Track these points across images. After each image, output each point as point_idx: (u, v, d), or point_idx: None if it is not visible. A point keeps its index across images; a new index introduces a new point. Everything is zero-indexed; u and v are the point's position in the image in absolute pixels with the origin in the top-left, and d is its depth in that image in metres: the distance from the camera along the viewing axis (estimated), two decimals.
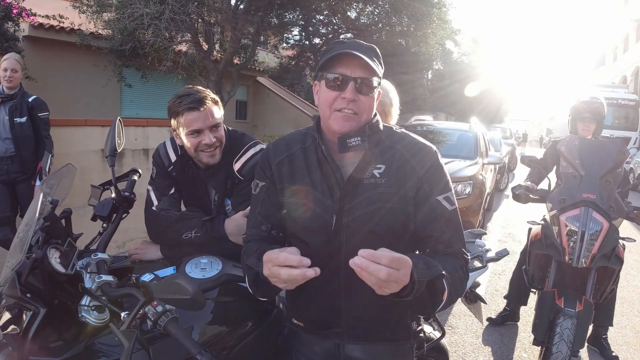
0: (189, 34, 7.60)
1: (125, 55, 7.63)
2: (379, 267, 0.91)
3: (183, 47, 8.14)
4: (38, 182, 3.49)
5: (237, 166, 1.65)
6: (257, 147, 1.68)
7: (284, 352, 1.47)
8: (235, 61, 9.07)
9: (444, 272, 1.05)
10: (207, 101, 1.55)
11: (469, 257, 1.22)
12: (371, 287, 1.18)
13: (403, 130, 1.28)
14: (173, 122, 1.60)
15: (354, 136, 1.13)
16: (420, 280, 0.98)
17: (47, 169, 2.88)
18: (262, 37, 9.82)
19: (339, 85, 1.12)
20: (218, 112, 1.60)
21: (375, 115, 1.22)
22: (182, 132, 1.57)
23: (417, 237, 1.20)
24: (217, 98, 1.62)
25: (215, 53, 8.76)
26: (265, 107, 14.00)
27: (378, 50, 1.20)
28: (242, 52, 9.29)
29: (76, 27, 7.90)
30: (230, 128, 1.74)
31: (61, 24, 7.85)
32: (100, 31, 7.72)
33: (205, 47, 8.13)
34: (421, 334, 1.34)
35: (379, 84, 1.18)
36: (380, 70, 1.17)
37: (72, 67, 8.75)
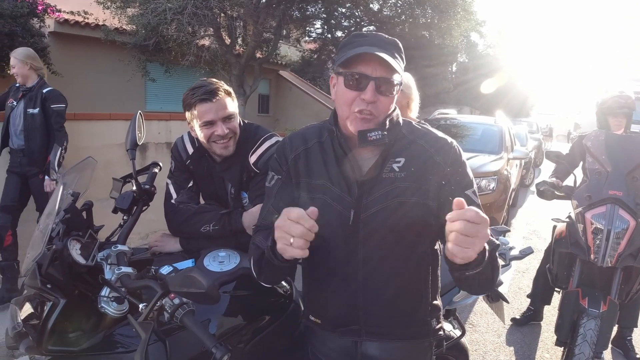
0: (211, 29, 7.66)
1: (149, 50, 7.74)
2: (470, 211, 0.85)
3: (206, 42, 8.20)
4: (47, 177, 3.41)
5: (252, 159, 1.65)
6: (273, 140, 1.68)
7: (300, 348, 1.46)
8: (258, 55, 9.10)
9: (498, 243, 1.04)
10: (219, 92, 1.55)
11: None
12: (390, 283, 1.17)
13: (423, 125, 1.25)
14: (187, 114, 1.61)
15: (375, 130, 1.11)
16: (487, 251, 0.95)
17: (55, 163, 2.79)
18: (284, 31, 9.81)
19: (358, 85, 1.09)
20: (231, 103, 1.61)
21: (395, 109, 1.20)
22: (196, 124, 1.59)
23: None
24: (230, 89, 1.63)
25: (237, 47, 8.80)
26: (288, 101, 14.02)
27: (400, 43, 1.17)
28: (264, 46, 9.31)
29: (100, 23, 8.05)
30: (245, 121, 1.74)
31: (86, 20, 8.02)
32: (124, 26, 7.85)
33: (227, 41, 8.18)
34: (440, 332, 1.30)
35: (400, 82, 1.14)
36: (401, 66, 1.14)
37: (97, 62, 8.93)
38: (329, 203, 1.17)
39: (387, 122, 1.14)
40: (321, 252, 1.21)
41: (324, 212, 1.17)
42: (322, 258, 1.22)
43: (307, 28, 10.93)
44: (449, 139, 1.20)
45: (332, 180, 1.18)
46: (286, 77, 13.94)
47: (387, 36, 1.16)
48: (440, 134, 1.22)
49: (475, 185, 1.18)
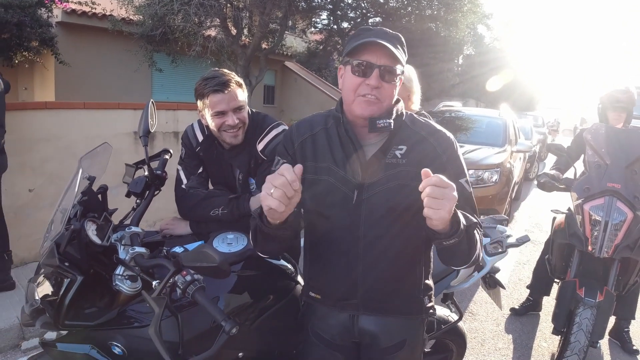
0: (217, 19, 7.68)
1: (155, 40, 7.77)
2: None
3: (212, 32, 8.23)
4: None
5: (260, 146, 1.72)
6: (280, 128, 1.75)
7: (303, 328, 1.54)
8: (264, 46, 9.12)
9: (477, 221, 1.16)
10: (231, 84, 1.62)
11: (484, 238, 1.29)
12: (387, 260, 1.26)
13: (423, 117, 1.36)
14: (199, 103, 1.68)
15: (383, 118, 1.20)
16: (463, 223, 1.06)
17: None
18: (290, 22, 9.81)
19: (364, 71, 1.18)
20: (242, 94, 1.67)
21: (399, 101, 1.29)
22: (207, 113, 1.65)
23: None
24: (241, 81, 1.69)
25: (243, 38, 8.82)
26: (293, 92, 14.04)
27: (403, 38, 1.26)
28: (270, 37, 9.32)
29: (108, 13, 8.09)
30: (254, 110, 1.81)
31: (93, 10, 8.06)
32: (131, 17, 7.88)
33: (233, 32, 8.20)
34: (431, 310, 1.39)
35: (402, 72, 1.24)
36: (404, 58, 1.23)
37: (104, 52, 8.99)
38: (333, 184, 1.25)
39: (394, 112, 1.24)
40: (324, 230, 1.29)
41: (328, 192, 1.26)
42: (325, 235, 1.30)
43: (313, 19, 10.90)
44: (447, 132, 1.30)
45: (337, 163, 1.26)
46: (291, 68, 13.94)
47: (391, 31, 1.24)
48: (438, 126, 1.32)
49: (467, 175, 1.29)
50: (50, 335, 1.50)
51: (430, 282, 1.39)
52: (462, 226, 1.06)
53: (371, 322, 1.33)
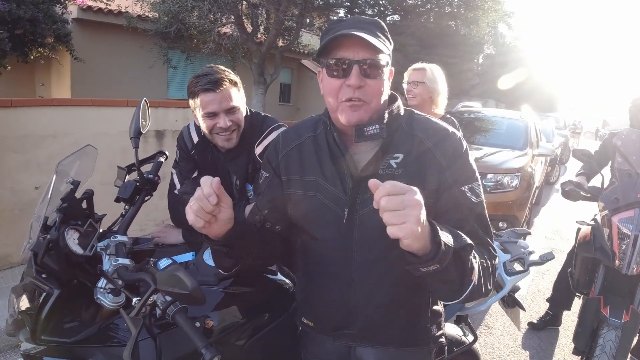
0: (232, 16, 7.61)
1: (170, 37, 7.76)
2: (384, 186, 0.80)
3: (227, 30, 8.16)
4: None
5: (258, 150, 1.59)
6: (280, 130, 1.61)
7: (301, 348, 1.42)
8: (279, 43, 9.02)
9: (471, 243, 0.91)
10: (224, 82, 1.48)
11: (497, 256, 1.09)
12: (386, 286, 1.10)
13: (425, 115, 1.16)
14: (191, 102, 1.56)
15: (373, 124, 1.03)
16: (445, 243, 0.84)
17: None
18: (307, 19, 9.69)
19: (342, 71, 1.01)
20: (236, 94, 1.54)
21: (395, 99, 1.12)
22: (199, 114, 1.53)
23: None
24: (236, 79, 1.55)
25: (259, 35, 8.74)
26: (309, 90, 13.94)
27: (382, 23, 1.08)
28: (286, 34, 9.22)
29: (123, 10, 8.09)
30: (253, 110, 1.68)
31: (108, 7, 8.07)
32: (146, 13, 7.87)
33: (249, 29, 8.12)
34: (441, 339, 1.23)
35: (388, 62, 1.06)
36: (387, 46, 1.05)
37: (119, 49, 9.02)
38: (322, 201, 1.10)
39: (387, 115, 1.06)
40: (315, 252, 1.15)
41: (317, 211, 1.11)
42: (315, 258, 1.16)
43: (330, 16, 10.77)
44: (450, 129, 1.10)
45: (326, 176, 1.11)
46: (308, 66, 13.83)
47: (366, 17, 1.07)
48: (441, 124, 1.12)
49: (478, 181, 1.08)
50: (27, 345, 1.41)
51: (439, 307, 1.24)
52: (442, 247, 0.84)
53: (370, 354, 1.19)
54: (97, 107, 4.03)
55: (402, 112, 1.12)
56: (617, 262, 2.34)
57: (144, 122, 1.66)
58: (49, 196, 1.27)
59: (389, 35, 1.07)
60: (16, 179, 3.60)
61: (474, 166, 1.10)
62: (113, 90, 8.40)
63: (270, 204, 1.20)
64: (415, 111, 1.15)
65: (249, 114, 1.63)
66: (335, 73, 1.02)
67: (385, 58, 1.03)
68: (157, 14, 7.35)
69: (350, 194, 1.07)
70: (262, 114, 1.69)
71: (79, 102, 4.04)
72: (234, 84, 1.53)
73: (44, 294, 1.23)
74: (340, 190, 1.09)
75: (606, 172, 2.81)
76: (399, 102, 1.12)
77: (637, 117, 2.71)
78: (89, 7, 8.26)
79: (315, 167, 1.12)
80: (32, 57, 6.89)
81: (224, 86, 1.48)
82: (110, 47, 8.92)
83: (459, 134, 1.11)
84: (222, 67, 1.54)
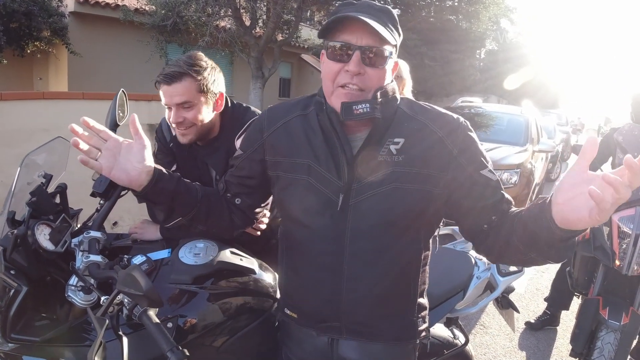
0: (230, 9, 7.52)
1: (167, 30, 7.69)
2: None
3: (225, 23, 8.09)
4: None
5: (238, 143, 1.52)
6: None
7: (281, 344, 1.36)
8: (278, 37, 8.93)
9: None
10: (183, 77, 1.40)
11: None
12: (377, 277, 1.05)
13: (428, 104, 1.10)
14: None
15: (363, 102, 0.97)
16: None
17: None
18: (307, 13, 9.60)
19: (343, 55, 0.96)
20: (195, 89, 1.44)
21: (391, 81, 1.05)
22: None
23: (475, 213, 1.04)
24: (205, 74, 1.45)
25: (257, 29, 8.65)
26: (310, 85, 13.84)
27: (394, 13, 1.02)
28: (284, 28, 9.13)
29: (120, 3, 8.03)
30: (235, 101, 1.61)
31: (105, 0, 8.00)
32: (143, 7, 7.79)
33: (247, 22, 8.04)
34: (424, 333, 1.18)
35: (392, 53, 1.00)
36: (395, 37, 0.99)
37: (116, 43, 8.96)
38: (313, 185, 1.04)
39: (379, 95, 0.99)
40: (303, 239, 1.09)
41: (307, 196, 1.04)
42: (303, 245, 1.09)
43: (330, 10, 10.68)
44: (455, 115, 1.05)
45: (319, 159, 1.04)
46: (308, 61, 13.73)
47: (378, 4, 1.01)
48: (442, 110, 1.07)
49: (489, 161, 1.06)
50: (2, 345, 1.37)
51: (424, 300, 1.18)
52: None
53: (353, 348, 1.13)
54: (88, 100, 3.97)
55: (398, 97, 1.06)
56: (617, 262, 2.27)
57: (120, 114, 1.59)
58: (12, 189, 1.21)
59: (399, 27, 1.02)
60: (7, 173, 3.55)
61: (483, 149, 1.07)
62: (110, 83, 8.31)
63: (237, 179, 1.18)
64: (414, 99, 1.11)
65: (230, 105, 1.56)
66: (335, 56, 0.97)
67: (390, 49, 0.99)
68: (154, 7, 7.29)
69: (346, 180, 1.01)
70: (244, 105, 1.62)
71: (70, 95, 3.99)
72: (197, 79, 1.43)
73: (12, 290, 1.18)
74: (334, 174, 1.02)
75: (607, 168, 2.73)
76: (394, 85, 1.05)
77: (637, 112, 2.62)
78: (86, 1, 8.19)
79: (305, 149, 1.06)
80: (28, 51, 6.84)
81: (181, 81, 1.41)
82: (107, 40, 8.86)
83: (462, 118, 1.07)
84: (193, 59, 1.46)
